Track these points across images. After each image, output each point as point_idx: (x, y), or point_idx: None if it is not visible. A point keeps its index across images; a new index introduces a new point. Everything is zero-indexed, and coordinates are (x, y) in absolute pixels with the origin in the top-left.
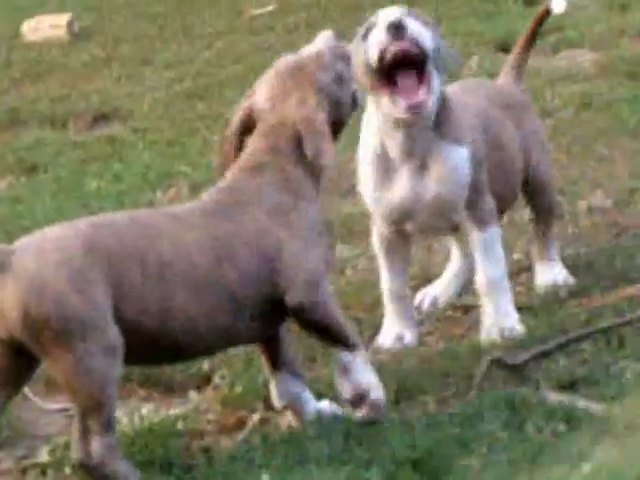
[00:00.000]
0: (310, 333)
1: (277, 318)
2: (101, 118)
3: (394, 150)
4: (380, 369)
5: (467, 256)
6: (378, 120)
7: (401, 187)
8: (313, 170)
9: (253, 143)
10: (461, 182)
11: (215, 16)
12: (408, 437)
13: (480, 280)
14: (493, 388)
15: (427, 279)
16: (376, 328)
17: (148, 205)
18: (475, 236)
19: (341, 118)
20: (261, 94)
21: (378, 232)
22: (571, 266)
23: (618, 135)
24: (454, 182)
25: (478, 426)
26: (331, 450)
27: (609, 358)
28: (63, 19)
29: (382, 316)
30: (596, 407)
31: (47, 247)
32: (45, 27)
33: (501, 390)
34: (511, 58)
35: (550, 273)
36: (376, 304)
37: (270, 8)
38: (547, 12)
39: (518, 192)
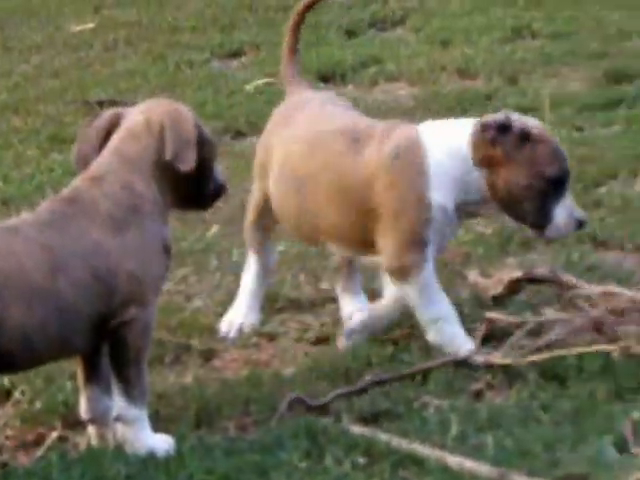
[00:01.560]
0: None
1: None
2: None
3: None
4: (182, 393)
5: (262, 276)
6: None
7: None
8: (168, 187)
9: (105, 150)
10: None
11: (34, 30)
12: (207, 462)
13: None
14: (294, 417)
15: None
16: (180, 350)
17: None
18: None
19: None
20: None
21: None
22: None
23: None
24: None
25: (278, 454)
26: (128, 471)
27: (412, 393)
28: None
29: (187, 338)
30: (397, 441)
31: None
32: None
33: (302, 420)
34: (291, 66)
35: (356, 305)
36: (181, 326)
37: (90, 25)
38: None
39: None
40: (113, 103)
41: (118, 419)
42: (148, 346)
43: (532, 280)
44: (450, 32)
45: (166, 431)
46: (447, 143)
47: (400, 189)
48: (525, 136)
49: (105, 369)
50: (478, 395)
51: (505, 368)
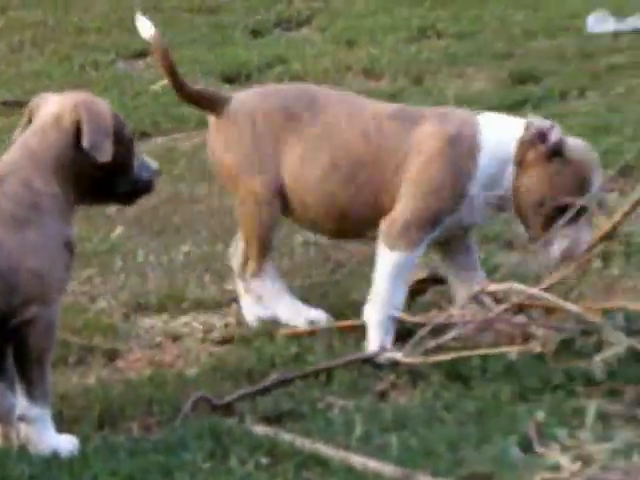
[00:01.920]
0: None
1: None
2: None
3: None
4: (85, 393)
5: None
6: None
7: None
8: (74, 183)
9: (14, 145)
10: None
11: None
12: (111, 462)
13: None
14: (198, 418)
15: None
16: (83, 351)
17: None
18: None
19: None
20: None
21: None
22: None
23: None
24: None
25: (182, 455)
26: (32, 471)
27: (317, 393)
28: None
29: (90, 339)
30: (300, 441)
31: None
32: None
33: (206, 420)
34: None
35: (257, 306)
36: (85, 327)
37: None
38: None
39: None
40: (19, 104)
41: (21, 419)
42: (52, 346)
43: (437, 280)
44: (355, 32)
45: (70, 431)
46: (500, 141)
47: (444, 165)
48: (557, 152)
49: (11, 367)
50: (382, 395)
51: (410, 367)
